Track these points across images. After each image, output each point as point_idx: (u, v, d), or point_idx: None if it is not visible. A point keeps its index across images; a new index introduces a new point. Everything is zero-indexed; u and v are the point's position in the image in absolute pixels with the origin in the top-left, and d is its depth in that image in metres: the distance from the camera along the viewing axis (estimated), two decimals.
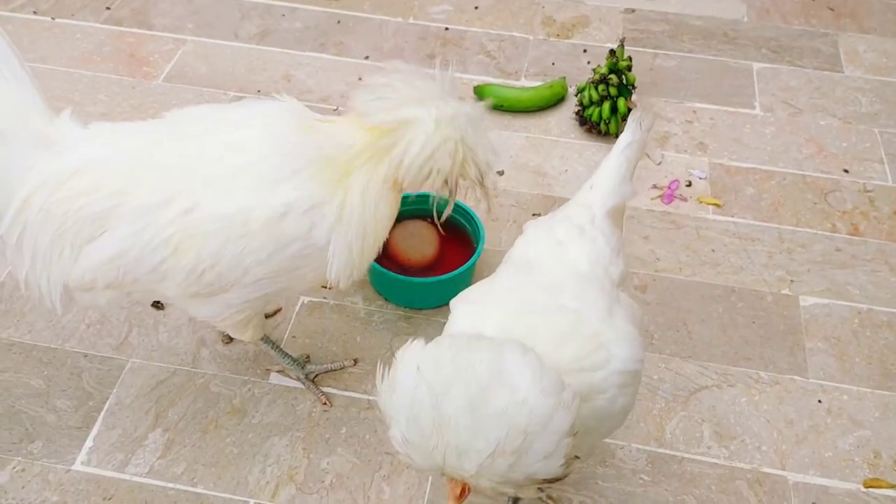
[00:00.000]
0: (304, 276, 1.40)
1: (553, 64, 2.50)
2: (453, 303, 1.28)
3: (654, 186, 2.15)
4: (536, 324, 1.16)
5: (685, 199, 2.11)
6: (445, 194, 1.45)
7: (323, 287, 1.80)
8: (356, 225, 1.37)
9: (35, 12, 2.62)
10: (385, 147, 1.37)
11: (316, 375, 1.69)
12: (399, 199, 1.45)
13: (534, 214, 2.04)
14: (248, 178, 1.31)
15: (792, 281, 1.93)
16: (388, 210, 1.41)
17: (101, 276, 1.34)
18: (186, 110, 1.42)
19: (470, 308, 1.23)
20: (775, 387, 1.74)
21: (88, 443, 1.59)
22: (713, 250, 1.99)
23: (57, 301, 1.37)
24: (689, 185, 2.15)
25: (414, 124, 1.36)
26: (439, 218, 1.53)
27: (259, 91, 2.35)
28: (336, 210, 1.34)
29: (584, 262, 1.28)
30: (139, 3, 2.67)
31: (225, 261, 1.31)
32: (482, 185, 1.45)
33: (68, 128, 1.35)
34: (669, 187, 2.14)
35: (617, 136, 2.14)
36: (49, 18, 2.60)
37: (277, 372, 1.70)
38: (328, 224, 1.34)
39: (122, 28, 2.57)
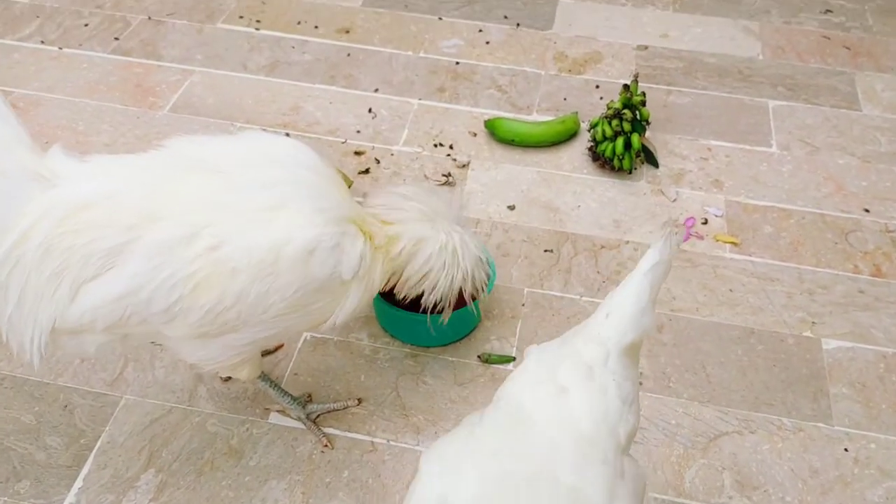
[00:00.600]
0: (313, 315, 1.37)
1: (565, 99, 2.47)
2: (423, 458, 1.09)
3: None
4: (521, 501, 0.99)
5: (701, 237, 2.06)
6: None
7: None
8: (372, 281, 1.43)
9: (42, 42, 2.60)
10: (392, 256, 1.48)
11: (317, 415, 1.64)
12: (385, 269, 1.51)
13: (545, 251, 2.00)
14: (278, 213, 1.28)
15: (814, 323, 1.87)
16: (381, 279, 1.49)
17: (103, 316, 1.27)
18: (191, 140, 1.39)
19: (441, 470, 1.05)
20: (799, 434, 1.66)
21: (78, 483, 1.53)
22: (731, 290, 1.93)
23: (36, 349, 1.29)
24: (706, 222, 2.10)
25: (422, 242, 1.49)
26: (434, 320, 1.63)
27: (263, 126, 2.32)
28: (359, 253, 1.36)
29: (587, 420, 1.09)
30: (148, 34, 2.66)
31: (249, 300, 1.27)
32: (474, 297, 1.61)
33: (63, 162, 1.30)
34: (685, 225, 2.05)
35: (630, 172, 2.22)
36: (56, 48, 2.58)
37: (277, 411, 1.65)
38: (353, 263, 1.35)
39: (129, 58, 2.55)
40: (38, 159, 1.28)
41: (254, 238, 1.26)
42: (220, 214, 1.27)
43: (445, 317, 1.60)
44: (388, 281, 1.52)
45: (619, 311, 1.18)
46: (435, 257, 1.50)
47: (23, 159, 1.26)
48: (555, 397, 1.10)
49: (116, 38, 2.63)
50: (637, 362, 1.24)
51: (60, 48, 2.58)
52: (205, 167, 1.32)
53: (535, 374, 1.16)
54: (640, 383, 1.69)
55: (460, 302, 1.73)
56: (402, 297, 1.57)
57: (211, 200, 1.28)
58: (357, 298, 1.40)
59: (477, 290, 1.61)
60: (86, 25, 2.68)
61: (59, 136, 2.24)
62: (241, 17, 2.75)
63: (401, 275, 1.52)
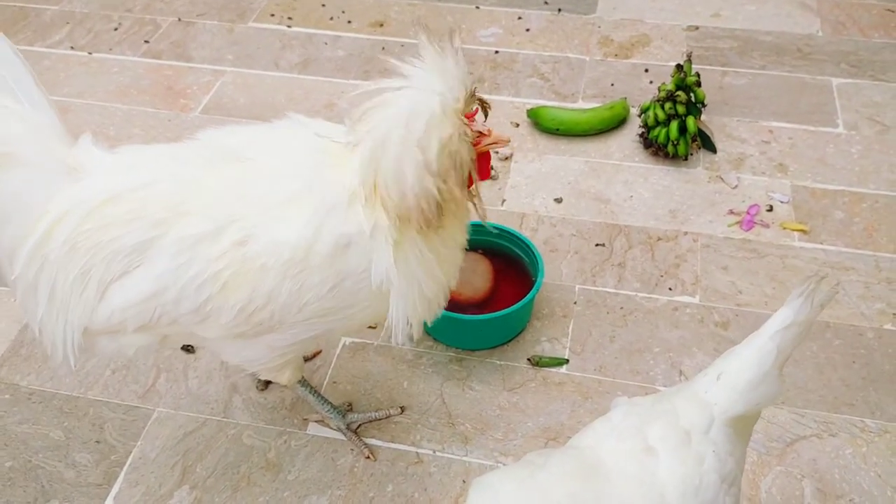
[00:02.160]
0: (356, 315, 1.29)
1: (612, 85, 2.38)
2: (475, 490, 0.97)
3: (731, 212, 1.99)
4: None
5: (767, 226, 1.94)
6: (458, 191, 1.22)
7: (370, 327, 1.69)
8: (416, 279, 1.25)
9: (72, 47, 2.58)
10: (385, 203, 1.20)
11: (358, 425, 1.57)
12: (449, 237, 1.28)
13: (596, 245, 1.92)
14: (308, 205, 1.20)
15: (895, 314, 1.72)
16: (439, 255, 1.26)
17: (133, 317, 1.22)
18: (224, 130, 1.32)
19: None
20: (885, 436, 1.52)
21: (109, 502, 1.46)
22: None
23: (71, 350, 1.24)
24: (770, 209, 1.98)
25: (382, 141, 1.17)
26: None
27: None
28: (393, 245, 1.22)
29: (674, 491, 0.97)
30: (178, 35, 2.62)
31: (281, 298, 1.21)
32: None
33: (91, 153, 1.25)
34: (748, 212, 1.96)
35: (686, 159, 2.12)
36: (86, 53, 2.56)
37: (316, 422, 1.58)
38: (387, 258, 1.22)
39: (160, 61, 2.52)
40: (67, 149, 1.23)
41: (282, 232, 1.19)
42: (248, 207, 1.20)
43: (478, 209, 1.28)
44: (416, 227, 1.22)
45: (734, 375, 1.06)
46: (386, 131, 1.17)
47: (54, 150, 1.21)
48: (640, 457, 1.00)
49: (146, 41, 2.60)
50: (747, 439, 1.11)
51: (90, 53, 2.56)
52: (235, 156, 1.26)
53: (621, 427, 1.05)
54: None
55: (506, 299, 1.68)
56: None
57: (239, 191, 1.21)
58: (401, 295, 1.26)
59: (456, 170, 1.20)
60: (115, 29, 2.65)
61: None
62: (271, 14, 2.70)
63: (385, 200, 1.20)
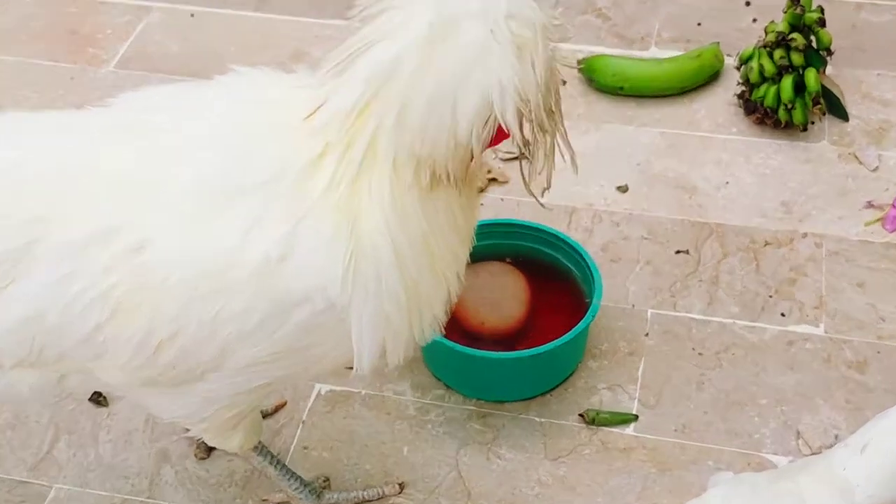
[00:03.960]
0: (321, 358, 1.31)
1: (699, 24, 2.42)
2: None
3: (870, 205, 2.00)
4: None
5: None
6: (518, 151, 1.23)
7: (348, 368, 1.67)
8: (390, 266, 1.22)
9: None
10: (360, 127, 1.18)
11: None
12: (465, 197, 1.27)
13: (677, 252, 1.93)
14: (229, 201, 1.22)
15: None
16: (445, 221, 1.26)
17: (8, 349, 1.25)
18: (142, 93, 1.35)
19: None
20: None
21: None
22: None
23: None
24: None
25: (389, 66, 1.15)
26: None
27: None
28: (352, 245, 1.21)
29: None
30: None
31: (190, 329, 1.22)
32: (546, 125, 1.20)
33: None
34: (894, 206, 1.95)
35: (805, 129, 2.12)
36: None
37: (280, 503, 1.60)
38: (345, 269, 1.21)
39: None
40: None
41: (193, 236, 1.21)
42: (151, 201, 1.22)
43: (539, 161, 1.23)
44: (431, 179, 1.20)
45: (887, 448, 1.09)
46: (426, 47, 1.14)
47: None
48: None
49: None
50: None
51: None
52: (144, 127, 1.28)
53: None
54: None
55: (548, 330, 1.69)
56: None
57: (139, 179, 1.23)
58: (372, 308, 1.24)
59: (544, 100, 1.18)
60: None
61: None
62: None
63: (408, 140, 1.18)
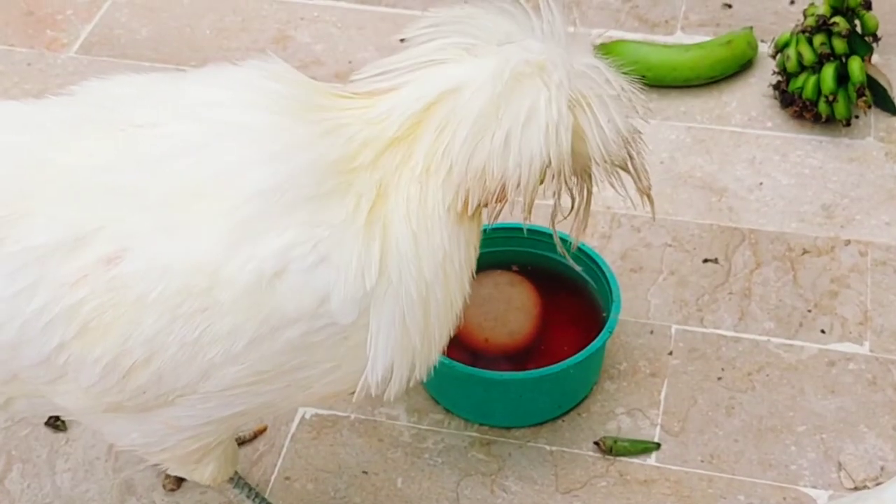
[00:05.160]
0: (310, 383, 1.27)
1: (730, 6, 2.36)
2: None
3: None
4: None
5: None
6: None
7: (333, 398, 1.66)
8: (415, 282, 1.24)
9: None
10: (418, 136, 1.23)
11: None
12: (478, 231, 1.34)
13: (705, 261, 1.87)
14: (216, 207, 1.18)
15: None
16: (464, 252, 1.29)
17: None
18: (111, 82, 1.32)
19: None
20: None
21: None
22: None
23: None
24: None
25: (461, 87, 1.21)
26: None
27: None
28: (373, 258, 1.21)
29: None
30: None
31: (169, 352, 1.17)
32: (635, 177, 1.30)
33: None
34: None
35: (848, 124, 2.04)
36: None
37: None
38: (359, 285, 1.19)
39: None
40: None
41: (175, 247, 1.16)
42: (126, 204, 1.18)
43: (579, 233, 1.33)
44: (463, 210, 1.26)
45: None
46: (495, 96, 1.20)
47: None
48: None
49: None
50: None
51: None
52: (113, 124, 1.24)
53: None
54: None
55: (560, 347, 1.69)
56: (487, 226, 1.37)
57: (113, 180, 1.19)
58: (393, 337, 1.25)
59: (625, 157, 1.28)
60: None
61: None
62: None
63: (457, 175, 1.23)
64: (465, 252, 1.30)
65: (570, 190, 1.27)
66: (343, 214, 1.24)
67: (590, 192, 1.29)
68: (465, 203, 1.24)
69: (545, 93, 1.19)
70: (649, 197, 1.32)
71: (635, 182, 1.29)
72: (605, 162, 1.24)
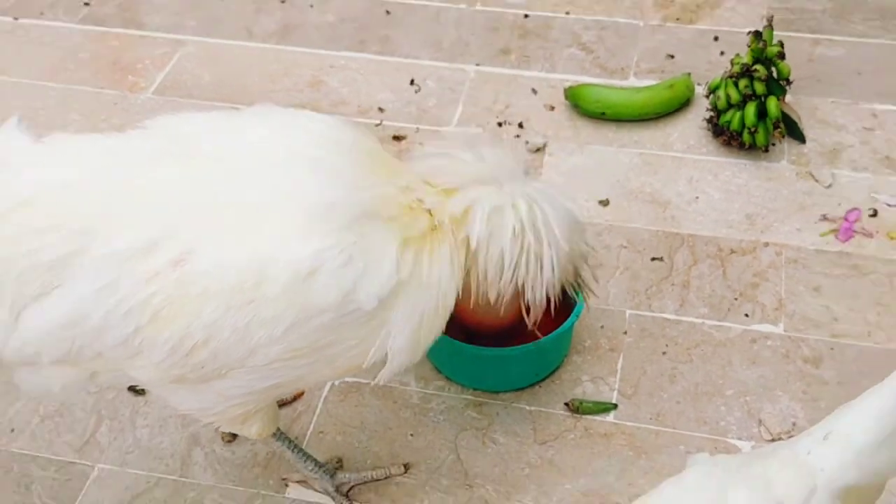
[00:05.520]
0: (336, 359, 1.31)
1: (673, 57, 2.41)
2: None
3: (825, 218, 2.00)
4: None
5: (870, 235, 1.95)
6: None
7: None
8: (434, 285, 1.33)
9: None
10: (462, 240, 1.38)
11: (351, 487, 1.58)
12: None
13: (653, 259, 1.93)
14: (264, 221, 1.23)
15: None
16: (454, 289, 1.40)
17: (49, 348, 1.25)
18: (180, 118, 1.36)
19: None
20: None
21: None
22: None
23: None
24: (874, 214, 1.99)
25: (498, 213, 1.38)
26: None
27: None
28: (393, 264, 1.28)
29: None
30: None
31: (224, 335, 1.22)
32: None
33: (15, 140, 1.29)
34: (846, 219, 1.97)
35: (766, 150, 2.13)
36: (11, 19, 2.60)
37: (298, 483, 1.59)
38: (381, 282, 1.26)
39: (103, 28, 2.56)
40: None
41: (230, 251, 1.21)
42: (191, 217, 1.23)
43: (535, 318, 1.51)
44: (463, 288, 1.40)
45: (847, 435, 1.06)
46: (516, 233, 1.39)
47: None
48: None
49: (87, 4, 2.64)
50: None
51: (16, 18, 2.60)
52: (183, 152, 1.29)
53: (695, 493, 1.07)
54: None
55: (539, 327, 1.66)
56: (480, 302, 1.47)
57: (181, 197, 1.24)
58: (412, 325, 1.32)
59: (580, 278, 1.53)
60: None
61: None
62: None
63: (476, 271, 1.41)
64: (454, 288, 1.39)
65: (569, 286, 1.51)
66: (377, 230, 1.28)
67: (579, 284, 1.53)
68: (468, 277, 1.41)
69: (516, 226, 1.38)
70: (591, 291, 1.57)
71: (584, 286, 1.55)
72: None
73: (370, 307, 1.26)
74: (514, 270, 1.41)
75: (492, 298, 1.44)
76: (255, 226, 1.23)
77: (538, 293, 1.44)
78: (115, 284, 1.20)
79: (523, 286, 1.43)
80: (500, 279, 1.41)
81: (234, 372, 1.27)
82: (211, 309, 1.21)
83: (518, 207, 1.38)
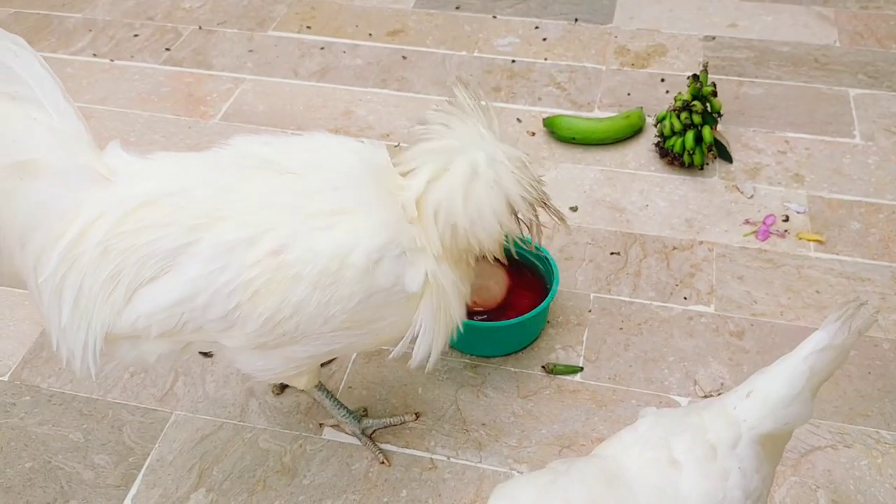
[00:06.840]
0: (381, 330, 1.30)
1: (629, 94, 2.39)
2: (495, 496, 0.99)
3: (747, 222, 1.98)
4: None
5: (782, 236, 1.93)
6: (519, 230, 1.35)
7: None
8: (447, 280, 1.30)
9: (95, 55, 2.61)
10: (432, 224, 1.28)
11: (374, 431, 1.57)
12: (469, 273, 1.40)
13: (612, 253, 1.92)
14: (345, 218, 1.23)
15: None
16: (467, 277, 1.36)
17: (158, 323, 1.22)
18: (260, 139, 1.33)
19: None
20: None
21: (127, 503, 1.47)
22: (817, 291, 1.80)
23: (92, 357, 1.24)
24: (787, 219, 1.97)
25: (444, 174, 1.28)
26: (516, 254, 1.43)
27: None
28: (430, 257, 1.27)
29: None
30: (199, 43, 2.65)
31: (308, 309, 1.22)
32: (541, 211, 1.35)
33: (122, 158, 1.26)
34: (764, 223, 1.96)
35: (702, 168, 2.12)
36: (108, 61, 2.59)
37: (332, 426, 1.58)
38: (421, 271, 1.26)
39: (180, 68, 2.54)
40: (96, 156, 1.24)
41: (318, 243, 1.20)
42: (285, 217, 1.21)
43: (537, 239, 1.35)
44: (464, 258, 1.33)
45: (764, 393, 1.06)
46: (462, 178, 1.26)
47: (82, 156, 1.21)
48: (663, 468, 1.00)
49: (167, 49, 2.63)
50: (776, 458, 1.11)
51: (112, 60, 2.59)
52: (271, 166, 1.27)
53: (646, 438, 1.06)
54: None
55: (522, 307, 1.68)
56: (471, 262, 1.37)
57: (276, 202, 1.23)
58: (431, 314, 1.31)
59: (535, 203, 1.32)
60: (136, 37, 2.68)
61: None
62: (291, 23, 2.72)
63: (466, 247, 1.30)
64: (466, 275, 1.36)
65: (528, 223, 1.33)
66: (411, 231, 1.27)
67: (537, 222, 1.33)
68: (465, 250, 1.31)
69: (489, 177, 1.26)
70: (562, 218, 1.36)
71: (552, 213, 1.34)
72: (530, 205, 1.30)
73: (413, 289, 1.26)
74: (475, 216, 1.27)
75: (475, 251, 1.32)
76: (334, 225, 1.22)
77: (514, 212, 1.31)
78: (224, 268, 1.19)
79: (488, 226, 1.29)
80: (470, 234, 1.28)
81: (306, 339, 1.26)
82: (301, 289, 1.20)
83: (464, 161, 1.27)
